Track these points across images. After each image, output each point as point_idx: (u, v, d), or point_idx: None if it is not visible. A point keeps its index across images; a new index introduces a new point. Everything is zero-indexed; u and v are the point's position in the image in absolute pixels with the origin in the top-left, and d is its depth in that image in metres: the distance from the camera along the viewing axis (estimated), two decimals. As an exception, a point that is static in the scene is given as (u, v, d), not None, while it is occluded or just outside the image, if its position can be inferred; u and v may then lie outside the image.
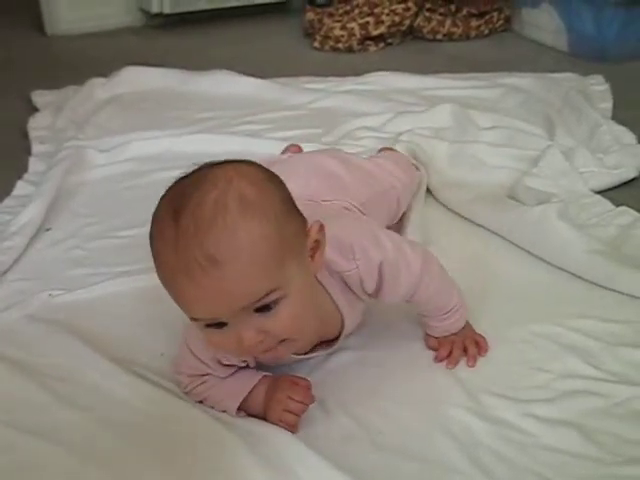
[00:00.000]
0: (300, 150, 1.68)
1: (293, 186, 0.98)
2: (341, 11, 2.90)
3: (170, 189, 0.93)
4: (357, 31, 2.83)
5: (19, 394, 1.12)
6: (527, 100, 2.12)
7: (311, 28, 2.96)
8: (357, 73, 2.43)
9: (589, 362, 1.12)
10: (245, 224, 0.87)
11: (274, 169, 0.99)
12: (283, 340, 0.96)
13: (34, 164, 1.93)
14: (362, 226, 1.10)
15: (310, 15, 2.98)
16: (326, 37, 2.87)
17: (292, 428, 1.02)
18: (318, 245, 0.98)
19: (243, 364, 1.07)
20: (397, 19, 2.86)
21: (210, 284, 0.87)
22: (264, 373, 1.08)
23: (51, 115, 2.22)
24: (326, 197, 1.21)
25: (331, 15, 2.91)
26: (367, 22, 2.83)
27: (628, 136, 1.81)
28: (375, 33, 2.84)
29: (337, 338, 1.11)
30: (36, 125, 2.17)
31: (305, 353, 1.09)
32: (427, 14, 2.92)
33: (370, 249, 1.04)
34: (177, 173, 1.71)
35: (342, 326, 1.09)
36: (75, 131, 2.06)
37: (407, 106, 2.11)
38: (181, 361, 1.10)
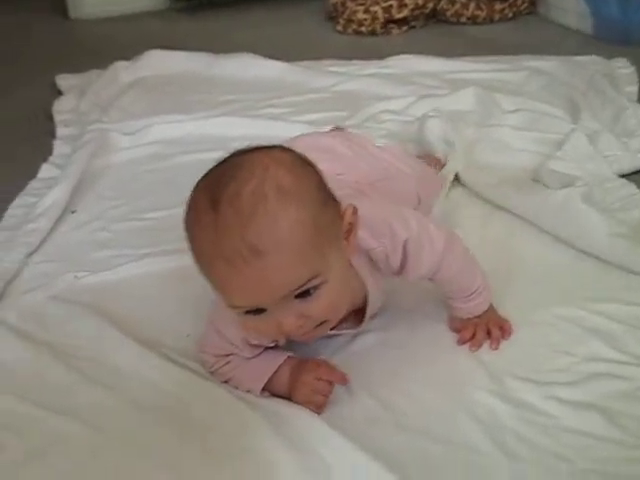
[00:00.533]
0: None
1: None
2: (364, -6, 2.90)
3: (205, 177, 0.93)
4: (380, 14, 2.82)
5: (45, 374, 1.13)
6: (551, 83, 2.10)
7: (334, 11, 2.96)
8: (380, 56, 2.42)
9: (612, 345, 1.12)
10: (285, 213, 0.88)
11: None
12: (321, 323, 0.97)
13: (59, 147, 1.94)
14: (388, 204, 1.10)
15: (333, -2, 2.98)
16: (349, 20, 2.86)
17: (319, 409, 1.03)
18: (352, 228, 0.98)
19: (272, 344, 1.08)
20: (420, 2, 2.85)
21: (252, 274, 0.88)
22: (288, 353, 1.09)
23: (75, 98, 2.24)
24: (337, 171, 1.20)
25: (354, -2, 2.91)
26: (390, 5, 2.82)
27: (654, 119, 1.79)
28: (398, 16, 2.84)
29: (362, 315, 1.11)
30: (60, 108, 2.19)
31: (332, 329, 1.10)
32: (451, -3, 2.91)
33: (397, 227, 1.04)
34: (201, 156, 1.75)
35: (365, 302, 1.10)
36: (99, 114, 2.07)
37: (430, 89, 2.10)
38: (207, 341, 1.11)
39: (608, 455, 0.94)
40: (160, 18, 3.17)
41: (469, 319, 1.15)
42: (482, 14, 2.88)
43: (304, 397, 1.04)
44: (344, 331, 1.13)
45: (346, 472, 0.92)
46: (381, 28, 2.83)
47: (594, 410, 1.01)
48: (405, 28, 2.86)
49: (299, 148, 1.07)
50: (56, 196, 1.61)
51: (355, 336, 1.16)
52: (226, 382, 1.09)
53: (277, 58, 2.39)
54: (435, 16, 2.94)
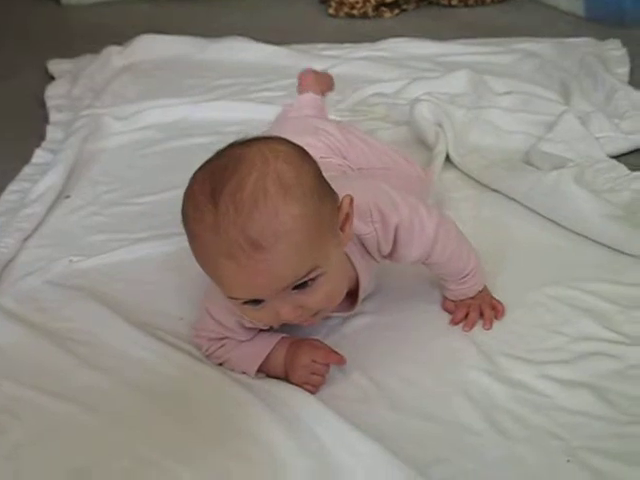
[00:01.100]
0: (313, 74, 1.69)
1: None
2: (356, -23, 2.89)
3: (203, 170, 0.93)
4: (372, -3, 2.82)
5: (42, 357, 1.14)
6: (543, 65, 2.11)
7: (326, -6, 2.95)
8: (372, 40, 2.42)
9: (604, 325, 1.13)
10: (286, 207, 0.88)
11: (274, 133, 0.99)
12: (317, 311, 0.98)
13: (52, 132, 1.95)
14: (379, 188, 1.10)
15: (325, -19, 2.98)
16: (341, 3, 2.86)
17: (315, 389, 1.04)
18: (348, 218, 0.99)
19: (266, 327, 1.09)
20: (412, -15, 2.85)
21: (253, 267, 0.88)
22: (282, 335, 1.09)
23: (68, 83, 2.24)
24: (323, 154, 1.20)
25: (346, -19, 2.90)
26: (382, -12, 2.82)
27: (645, 101, 1.80)
28: (390, -1, 2.84)
29: (354, 301, 1.12)
30: (53, 94, 2.19)
31: None
32: (442, -21, 2.91)
33: (387, 212, 1.05)
34: (194, 141, 1.76)
35: (357, 286, 1.10)
36: (92, 99, 2.07)
37: (422, 72, 2.11)
38: (201, 325, 1.12)
39: (600, 432, 0.95)
40: (151, 2, 3.16)
41: (462, 300, 1.16)
42: (474, -4, 2.88)
43: (301, 378, 1.05)
44: (336, 314, 1.13)
45: (341, 450, 0.93)
46: (373, 11, 2.83)
47: (586, 388, 1.02)
48: (397, 11, 2.86)
49: (292, 129, 1.08)
50: (50, 181, 1.61)
51: (348, 318, 1.17)
52: (221, 365, 1.10)
53: (269, 42, 2.39)
54: (427, -1, 2.94)
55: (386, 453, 0.91)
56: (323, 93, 1.67)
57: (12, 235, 1.45)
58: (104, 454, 0.97)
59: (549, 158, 1.50)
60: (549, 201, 1.39)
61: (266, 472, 0.93)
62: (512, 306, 1.17)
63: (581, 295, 1.19)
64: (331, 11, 2.88)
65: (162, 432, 1.00)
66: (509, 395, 1.02)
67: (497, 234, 1.36)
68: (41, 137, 1.92)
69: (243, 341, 1.09)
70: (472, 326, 1.15)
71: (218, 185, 0.89)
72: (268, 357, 1.07)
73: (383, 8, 2.84)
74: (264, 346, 1.08)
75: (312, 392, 1.04)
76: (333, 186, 0.99)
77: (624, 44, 2.21)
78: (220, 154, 0.94)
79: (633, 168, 1.52)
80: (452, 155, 1.61)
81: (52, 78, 2.33)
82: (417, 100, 1.75)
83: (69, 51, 2.48)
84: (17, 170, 1.75)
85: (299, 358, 1.05)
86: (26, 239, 1.47)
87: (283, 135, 1.00)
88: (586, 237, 1.32)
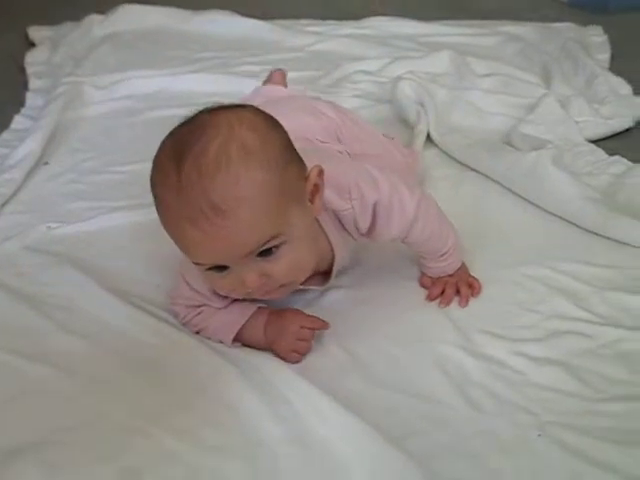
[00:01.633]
0: (283, 75, 1.67)
1: (287, 123, 0.99)
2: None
3: (171, 135, 0.94)
4: (357, -25, 2.81)
5: (20, 321, 1.14)
6: (525, 49, 2.12)
7: (310, -29, 2.94)
8: (356, 17, 2.42)
9: (578, 304, 1.14)
10: (248, 172, 0.89)
11: (268, 109, 1.00)
12: (284, 285, 0.99)
13: (31, 99, 1.94)
14: (359, 166, 1.10)
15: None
16: (325, -20, 2.85)
17: (301, 357, 1.05)
18: (317, 189, 0.99)
19: (239, 296, 1.09)
20: (397, -36, 2.84)
21: (214, 232, 0.89)
22: (258, 304, 1.10)
23: (48, 50, 2.22)
24: (320, 137, 1.21)
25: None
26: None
27: (624, 87, 1.82)
28: (374, -23, 2.82)
29: (329, 274, 1.13)
30: (33, 60, 2.17)
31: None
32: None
33: (366, 190, 1.05)
34: (174, 112, 1.74)
35: (333, 261, 1.11)
36: (72, 67, 2.06)
37: (405, 51, 2.11)
38: (177, 293, 1.12)
39: (571, 408, 0.97)
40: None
41: (440, 277, 1.17)
42: (458, -22, 2.88)
43: (288, 345, 1.05)
44: (311, 287, 1.14)
45: (314, 419, 0.94)
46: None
47: (558, 366, 1.03)
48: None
49: (294, 108, 1.08)
50: (29, 148, 1.60)
51: (325, 292, 1.18)
52: (198, 333, 1.11)
53: (253, 16, 2.38)
54: (411, -21, 2.93)
55: (360, 422, 0.92)
56: None
57: (-11, 200, 1.44)
58: (80, 418, 0.97)
59: (529, 140, 1.52)
60: (527, 181, 1.40)
61: (239, 439, 0.93)
62: (488, 284, 1.19)
63: (556, 275, 1.20)
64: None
65: (137, 398, 1.00)
66: (483, 370, 1.03)
67: (475, 213, 1.37)
68: (20, 103, 1.91)
69: (220, 309, 1.09)
70: (448, 303, 1.16)
71: (183, 149, 0.90)
72: (245, 326, 1.08)
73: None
74: (241, 315, 1.08)
75: (297, 360, 1.05)
76: (314, 161, 0.99)
77: (605, 31, 2.23)
78: (188, 120, 0.95)
79: (611, 153, 1.54)
80: (433, 134, 1.61)
81: (32, 44, 2.31)
82: (399, 78, 1.75)
83: (51, 18, 2.46)
84: (-5, 135, 1.74)
85: (286, 325, 1.06)
86: (4, 205, 1.46)
87: (280, 113, 1.00)
88: (563, 218, 1.34)
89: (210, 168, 0.88)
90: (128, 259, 1.29)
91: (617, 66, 1.98)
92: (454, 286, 1.17)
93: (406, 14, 2.42)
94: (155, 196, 0.94)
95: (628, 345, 1.07)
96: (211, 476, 0.89)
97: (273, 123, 0.97)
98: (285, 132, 0.98)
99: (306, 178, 0.98)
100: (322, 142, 1.21)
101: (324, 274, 1.14)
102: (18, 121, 1.81)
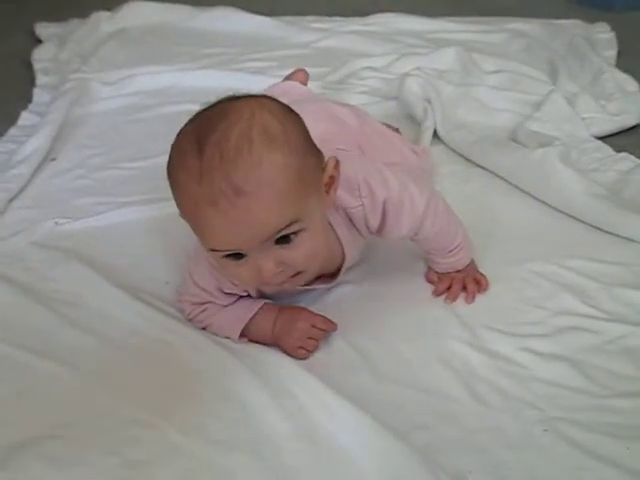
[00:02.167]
0: (306, 75, 1.67)
1: (310, 129, 0.99)
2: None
3: (192, 121, 0.94)
4: (363, -28, 2.81)
5: (27, 317, 1.15)
6: (531, 45, 2.12)
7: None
8: (363, 14, 2.42)
9: (584, 301, 1.15)
10: (269, 155, 0.89)
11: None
12: (298, 272, 0.99)
13: (38, 95, 1.94)
14: (369, 164, 1.10)
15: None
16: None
17: (308, 354, 1.06)
18: (333, 181, 0.99)
19: (244, 294, 1.10)
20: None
21: (236, 214, 0.89)
22: (265, 301, 1.10)
23: (55, 47, 2.22)
24: (342, 146, 1.19)
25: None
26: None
27: (631, 84, 1.81)
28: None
29: (337, 272, 1.13)
30: (40, 57, 2.17)
31: (306, 285, 1.12)
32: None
33: (376, 187, 1.05)
34: (182, 108, 1.76)
35: (342, 260, 1.12)
36: (80, 63, 2.06)
37: (412, 48, 2.10)
38: (184, 289, 1.12)
39: (577, 404, 0.97)
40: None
41: (448, 273, 1.18)
42: (465, -25, 2.87)
43: (297, 341, 1.06)
44: (318, 286, 1.14)
45: (321, 412, 0.95)
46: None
47: (565, 362, 1.04)
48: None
49: (313, 111, 1.08)
50: (36, 143, 1.61)
51: (332, 288, 1.18)
52: (204, 329, 1.11)
53: (259, 13, 2.38)
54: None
55: (367, 417, 0.93)
56: None
57: (-2, 195, 1.45)
58: (87, 412, 0.98)
59: (536, 136, 1.52)
60: (534, 178, 1.40)
61: (245, 433, 0.94)
62: (494, 280, 1.19)
63: (563, 271, 1.20)
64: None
65: (143, 392, 1.01)
66: (489, 366, 1.04)
67: (482, 209, 1.37)
68: (28, 99, 1.92)
69: (225, 306, 1.10)
70: (454, 299, 1.16)
71: (204, 134, 0.90)
72: (252, 322, 1.08)
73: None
74: (247, 310, 1.09)
75: (305, 357, 1.05)
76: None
77: (613, 28, 2.22)
78: (208, 107, 0.95)
79: (618, 149, 1.54)
80: (439, 130, 1.61)
81: (39, 41, 2.31)
82: (406, 75, 1.75)
83: (58, 14, 2.46)
84: (3, 132, 1.75)
85: (297, 322, 1.07)
86: (11, 200, 1.47)
87: (304, 117, 1.00)
88: (570, 215, 1.34)
89: (232, 151, 0.88)
90: (136, 255, 1.30)
91: (624, 63, 1.98)
92: (461, 282, 1.17)
93: (413, 11, 2.42)
94: (174, 181, 0.93)
95: (634, 341, 1.07)
96: (217, 470, 0.90)
97: (291, 111, 0.97)
98: (302, 121, 0.98)
99: (323, 169, 0.98)
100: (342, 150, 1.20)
101: (331, 275, 1.14)
102: (25, 117, 1.82)
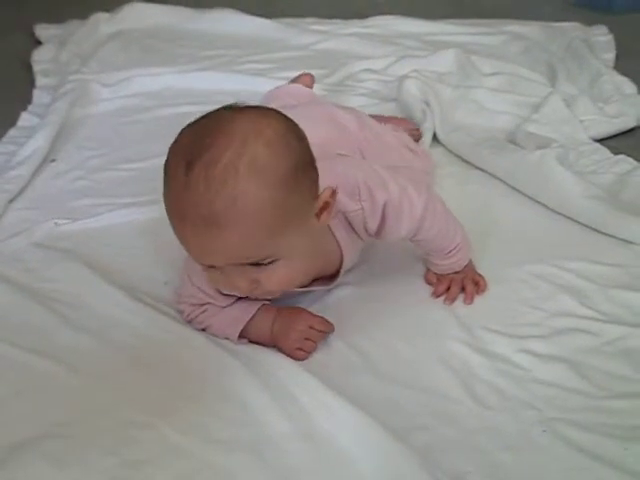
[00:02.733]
0: (312, 79, 1.67)
1: (312, 136, 0.99)
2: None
3: (187, 133, 0.94)
4: (362, -26, 2.81)
5: (26, 317, 1.15)
6: (530, 48, 2.13)
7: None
8: (362, 16, 2.42)
9: (582, 302, 1.15)
10: (254, 191, 0.89)
11: (294, 117, 0.99)
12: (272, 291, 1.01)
13: (38, 96, 1.94)
14: (369, 167, 1.10)
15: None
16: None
17: (306, 355, 1.06)
18: (327, 206, 0.99)
19: (242, 295, 1.10)
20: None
21: (205, 240, 0.91)
22: (263, 302, 1.11)
23: (55, 48, 2.23)
24: (344, 152, 1.18)
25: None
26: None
27: (629, 86, 1.82)
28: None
29: (336, 275, 1.14)
30: (39, 58, 2.18)
31: (304, 287, 1.12)
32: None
33: (375, 190, 1.05)
34: (181, 109, 1.76)
35: (341, 263, 1.12)
36: (79, 65, 2.06)
37: (410, 50, 2.11)
38: (182, 291, 1.13)
39: (575, 405, 0.98)
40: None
41: (447, 274, 1.18)
42: (464, -23, 2.88)
43: (295, 342, 1.06)
44: (317, 288, 1.15)
45: (320, 412, 0.95)
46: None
47: (563, 363, 1.04)
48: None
49: (315, 117, 1.08)
50: (36, 144, 1.61)
51: (331, 290, 1.18)
52: (203, 330, 1.11)
53: (258, 15, 2.38)
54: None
55: (366, 418, 0.93)
56: None
57: (-2, 196, 1.45)
58: (86, 412, 0.98)
59: (534, 138, 1.52)
60: (532, 180, 1.40)
61: (245, 433, 0.94)
62: (493, 282, 1.19)
63: (561, 273, 1.21)
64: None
65: (142, 392, 1.01)
66: (487, 367, 1.04)
67: (480, 211, 1.37)
68: (27, 101, 1.92)
69: (224, 307, 1.10)
70: (453, 300, 1.16)
71: (195, 155, 0.90)
72: (251, 322, 1.08)
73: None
74: (245, 311, 1.09)
75: (302, 358, 1.06)
76: (325, 165, 0.99)
77: (611, 30, 2.23)
78: (210, 116, 0.95)
79: (615, 151, 1.55)
80: (438, 133, 1.62)
81: (39, 42, 2.32)
82: (405, 77, 1.76)
83: (57, 16, 2.46)
84: (2, 133, 1.75)
85: (295, 323, 1.07)
86: (11, 201, 1.47)
87: (306, 126, 0.99)
88: (568, 217, 1.34)
89: (217, 179, 0.88)
90: (135, 256, 1.30)
91: (622, 65, 1.98)
92: (460, 283, 1.17)
93: (411, 13, 2.43)
94: (164, 183, 0.94)
95: (632, 342, 1.07)
96: (216, 470, 0.90)
97: (295, 135, 0.95)
98: (306, 144, 0.96)
99: (316, 197, 0.97)
100: (342, 155, 1.20)
101: (330, 277, 1.15)
102: (25, 118, 1.82)
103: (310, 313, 1.10)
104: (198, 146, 0.90)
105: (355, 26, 2.36)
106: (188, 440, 0.93)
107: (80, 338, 1.11)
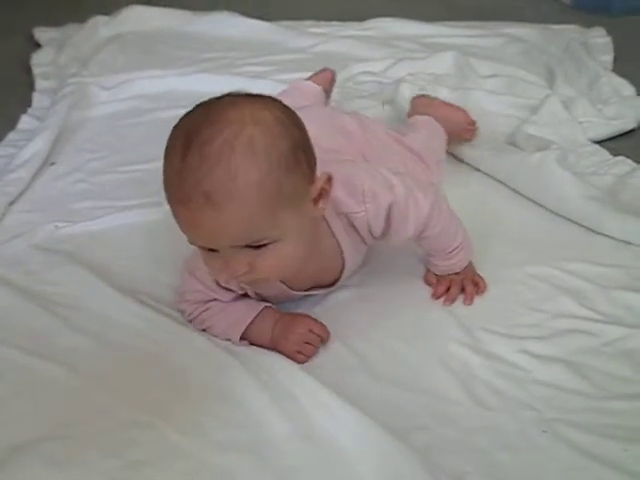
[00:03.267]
0: (333, 75, 1.69)
1: (322, 142, 1.00)
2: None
3: (187, 116, 0.95)
4: (361, -23, 2.81)
5: (27, 319, 1.15)
6: (528, 50, 2.13)
7: (315, -28, 2.95)
8: (360, 19, 2.43)
9: (582, 303, 1.15)
10: (247, 171, 0.89)
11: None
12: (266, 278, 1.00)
13: (38, 99, 1.95)
14: (374, 169, 1.10)
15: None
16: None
17: (306, 359, 1.06)
18: (323, 193, 0.99)
19: (241, 291, 1.10)
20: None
21: (205, 220, 0.90)
22: (266, 304, 1.11)
23: (54, 51, 2.23)
24: (349, 157, 1.18)
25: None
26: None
27: (628, 88, 1.82)
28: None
29: (338, 279, 1.14)
30: (39, 61, 2.18)
31: (306, 290, 1.13)
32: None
33: (380, 194, 1.05)
34: (180, 112, 1.73)
35: (343, 267, 1.12)
36: (79, 68, 2.07)
37: (409, 53, 2.12)
38: (185, 289, 1.13)
39: (574, 406, 0.98)
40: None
41: (447, 275, 1.18)
42: (462, -20, 2.88)
43: (295, 346, 1.06)
44: (317, 292, 1.15)
45: (320, 413, 0.95)
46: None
47: (562, 364, 1.04)
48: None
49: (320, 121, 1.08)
50: (36, 147, 1.62)
51: (331, 291, 1.18)
52: (204, 330, 1.11)
53: (258, 17, 2.39)
54: (415, -20, 2.93)
55: (366, 418, 0.93)
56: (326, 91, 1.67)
57: (-2, 198, 1.45)
58: (86, 413, 0.98)
59: (533, 140, 1.52)
60: (532, 182, 1.41)
61: (245, 434, 0.94)
62: (493, 283, 1.19)
63: (561, 274, 1.21)
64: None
65: (142, 394, 1.01)
66: (487, 367, 1.04)
67: (480, 213, 1.37)
68: (27, 104, 1.92)
69: (227, 306, 1.10)
70: (453, 301, 1.17)
71: (192, 132, 0.90)
72: (252, 325, 1.09)
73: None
74: (248, 312, 1.09)
75: (302, 361, 1.06)
76: (329, 169, 0.99)
77: (609, 32, 2.23)
78: (211, 101, 0.95)
79: (614, 153, 1.55)
80: (436, 134, 1.62)
81: (38, 45, 2.32)
82: (400, 81, 1.77)
83: (56, 19, 2.47)
84: (2, 136, 1.75)
85: (295, 327, 1.07)
86: (11, 203, 1.47)
87: (312, 125, 0.99)
88: (567, 218, 1.35)
89: (212, 158, 0.89)
90: (135, 258, 1.30)
91: (620, 67, 1.99)
92: (459, 284, 1.17)
93: (410, 15, 2.43)
94: (163, 165, 0.95)
95: (632, 343, 1.08)
96: (216, 471, 0.90)
97: (292, 122, 0.96)
98: (304, 131, 0.97)
99: (312, 181, 0.97)
100: (348, 160, 1.19)
101: (331, 282, 1.15)
102: (25, 121, 1.82)
103: (312, 318, 1.10)
104: (195, 127, 0.91)
105: (353, 28, 2.36)
106: (188, 441, 0.94)
107: (80, 340, 1.11)
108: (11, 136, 1.76)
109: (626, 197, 1.38)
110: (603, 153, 1.56)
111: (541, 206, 1.39)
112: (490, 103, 1.75)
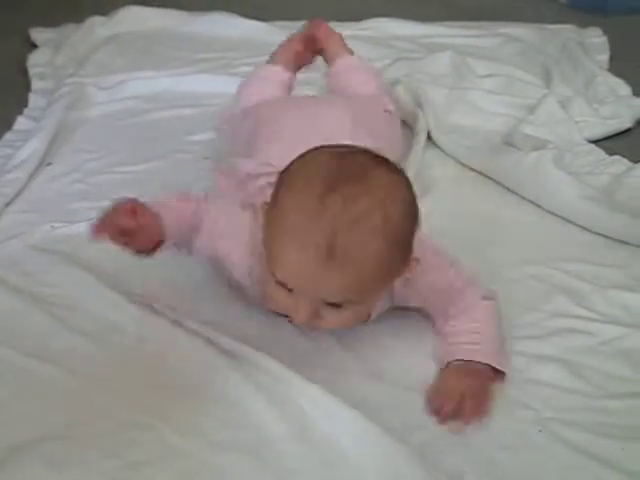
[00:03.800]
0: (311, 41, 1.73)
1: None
2: (342, -44, 2.89)
3: (327, 154, 0.94)
4: (357, -23, 2.82)
5: (24, 320, 1.15)
6: (525, 49, 2.14)
7: (311, -28, 2.94)
8: (357, 19, 2.42)
9: (579, 303, 1.16)
10: (374, 243, 0.89)
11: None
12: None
13: (34, 100, 1.93)
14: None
15: (310, -41, 2.97)
16: (326, -18, 2.85)
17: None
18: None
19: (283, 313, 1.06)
20: (397, -34, 2.85)
21: (313, 268, 0.89)
22: None
23: (50, 52, 2.21)
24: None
25: (331, -40, 2.90)
26: (367, -32, 2.82)
27: (624, 88, 1.83)
28: (375, -21, 2.83)
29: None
30: (35, 62, 2.17)
31: None
32: (428, -38, 2.91)
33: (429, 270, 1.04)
34: (177, 112, 1.76)
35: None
36: (75, 68, 2.06)
37: (406, 53, 2.12)
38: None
39: (572, 405, 0.99)
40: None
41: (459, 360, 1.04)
42: (458, -20, 2.88)
43: None
44: None
45: (317, 414, 0.96)
46: (358, -9, 2.83)
47: (559, 363, 1.05)
48: (382, -9, 2.86)
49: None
50: (32, 148, 1.61)
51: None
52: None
53: (255, 17, 2.39)
54: (412, -20, 2.94)
55: (363, 418, 0.93)
56: (300, 67, 1.68)
57: (-7, 200, 1.45)
58: (85, 414, 0.98)
59: (530, 140, 1.53)
60: (528, 182, 1.41)
61: (244, 435, 0.95)
62: (489, 283, 1.18)
63: (557, 274, 1.22)
64: (316, -11, 2.87)
65: (140, 395, 1.01)
66: (485, 367, 1.04)
67: (476, 213, 1.38)
68: (23, 104, 1.91)
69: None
70: (444, 421, 0.97)
71: (338, 184, 0.89)
72: None
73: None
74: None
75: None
76: None
77: (605, 32, 2.24)
78: (345, 156, 0.94)
79: (610, 152, 1.56)
80: (434, 134, 1.62)
81: (35, 46, 2.31)
82: (395, 82, 1.77)
83: (53, 19, 2.46)
84: (-2, 136, 1.75)
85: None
86: (8, 204, 1.47)
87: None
88: (564, 218, 1.35)
89: (351, 215, 0.88)
90: (132, 259, 1.29)
91: (616, 67, 2.00)
92: (456, 402, 0.98)
93: (406, 15, 2.43)
94: (281, 200, 0.93)
95: (628, 343, 1.08)
96: (215, 471, 0.90)
97: (414, 201, 0.96)
98: (418, 217, 0.96)
99: (406, 264, 0.97)
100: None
101: None
102: (21, 122, 1.81)
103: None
104: (341, 180, 0.90)
105: (350, 28, 2.34)
106: (187, 441, 0.94)
107: (77, 341, 1.10)
108: (7, 136, 1.74)
109: (622, 196, 1.38)
110: (599, 152, 1.57)
111: (537, 206, 1.40)
112: (487, 103, 1.76)
